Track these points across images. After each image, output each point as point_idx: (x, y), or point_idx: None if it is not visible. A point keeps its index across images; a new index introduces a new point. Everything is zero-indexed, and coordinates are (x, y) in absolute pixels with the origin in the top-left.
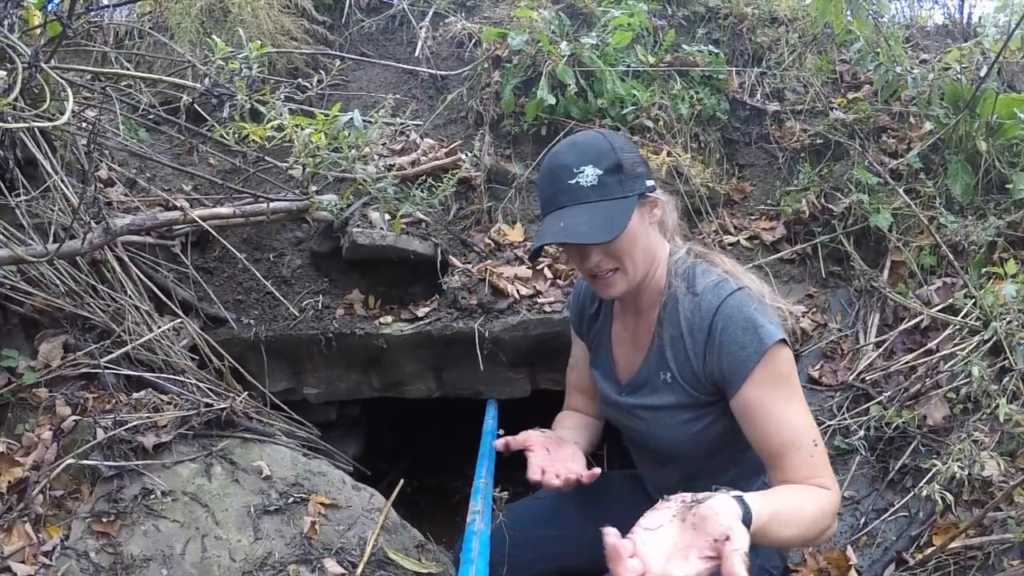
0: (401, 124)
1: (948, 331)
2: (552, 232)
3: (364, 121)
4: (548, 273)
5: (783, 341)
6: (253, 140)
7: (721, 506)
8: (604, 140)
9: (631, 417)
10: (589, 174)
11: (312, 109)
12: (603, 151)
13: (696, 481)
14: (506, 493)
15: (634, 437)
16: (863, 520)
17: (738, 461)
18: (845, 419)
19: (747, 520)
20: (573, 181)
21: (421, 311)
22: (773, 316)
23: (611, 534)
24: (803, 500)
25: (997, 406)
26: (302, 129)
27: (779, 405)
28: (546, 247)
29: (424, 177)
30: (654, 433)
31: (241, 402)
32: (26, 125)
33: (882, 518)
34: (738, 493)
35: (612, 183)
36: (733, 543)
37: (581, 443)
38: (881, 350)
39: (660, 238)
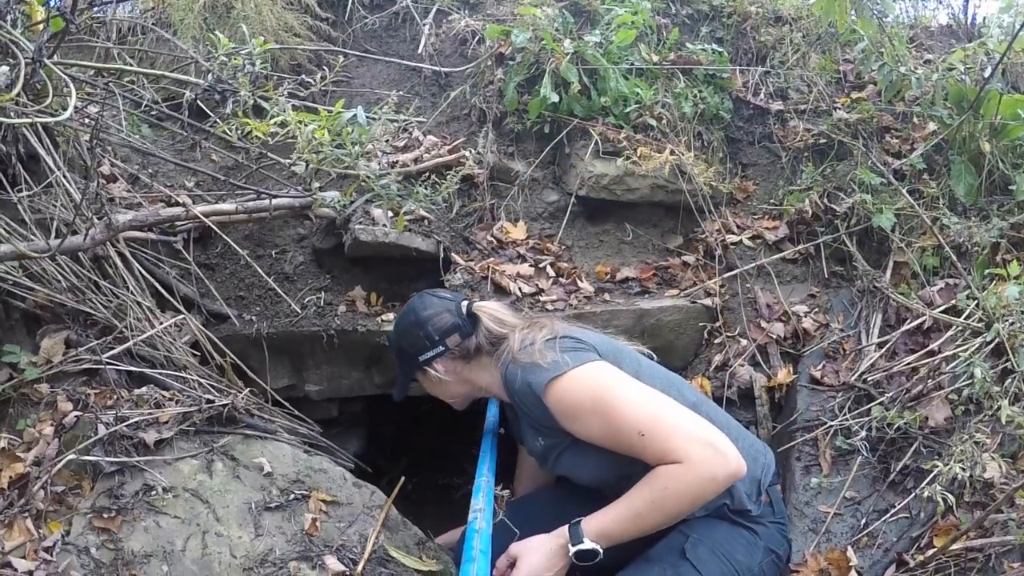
0: (404, 121)
1: (950, 332)
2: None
3: (367, 118)
4: (550, 271)
5: (555, 377)
6: (256, 136)
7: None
8: (401, 325)
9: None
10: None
11: (315, 105)
12: (393, 338)
13: None
14: (507, 491)
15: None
16: (864, 521)
17: None
18: (847, 419)
19: (579, 537)
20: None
21: None
22: (549, 353)
23: None
24: (641, 494)
25: (999, 408)
26: (305, 125)
27: (596, 426)
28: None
29: (427, 174)
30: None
31: (243, 399)
32: (29, 121)
33: (883, 519)
34: (578, 520)
35: (400, 360)
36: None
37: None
38: (883, 351)
39: (479, 363)
